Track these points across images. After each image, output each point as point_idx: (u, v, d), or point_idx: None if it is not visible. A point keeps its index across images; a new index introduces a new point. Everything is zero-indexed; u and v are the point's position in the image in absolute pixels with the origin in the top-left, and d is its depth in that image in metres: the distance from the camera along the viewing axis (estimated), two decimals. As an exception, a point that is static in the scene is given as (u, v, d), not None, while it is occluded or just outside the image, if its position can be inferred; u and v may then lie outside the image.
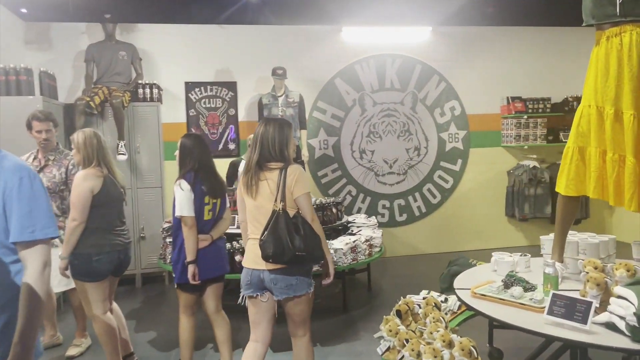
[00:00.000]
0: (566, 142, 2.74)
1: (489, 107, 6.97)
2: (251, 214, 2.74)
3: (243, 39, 6.29)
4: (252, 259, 2.71)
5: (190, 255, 3.09)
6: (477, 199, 6.96)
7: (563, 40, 7.03)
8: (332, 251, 4.39)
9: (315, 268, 3.16)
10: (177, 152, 3.26)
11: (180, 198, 3.09)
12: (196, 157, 3.19)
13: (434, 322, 2.58)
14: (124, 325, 3.55)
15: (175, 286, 3.25)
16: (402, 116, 6.71)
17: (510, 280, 2.53)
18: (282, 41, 6.36)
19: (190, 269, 3.09)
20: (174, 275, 3.25)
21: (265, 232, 2.60)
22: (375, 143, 6.66)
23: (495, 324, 3.21)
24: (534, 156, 6.88)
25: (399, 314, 2.79)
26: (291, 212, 2.65)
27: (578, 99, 6.88)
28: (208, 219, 3.21)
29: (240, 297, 2.83)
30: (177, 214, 3.10)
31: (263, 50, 6.31)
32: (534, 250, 6.76)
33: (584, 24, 2.59)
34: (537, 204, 6.79)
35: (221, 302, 3.37)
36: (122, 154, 5.37)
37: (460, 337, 2.44)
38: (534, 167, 6.79)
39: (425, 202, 6.84)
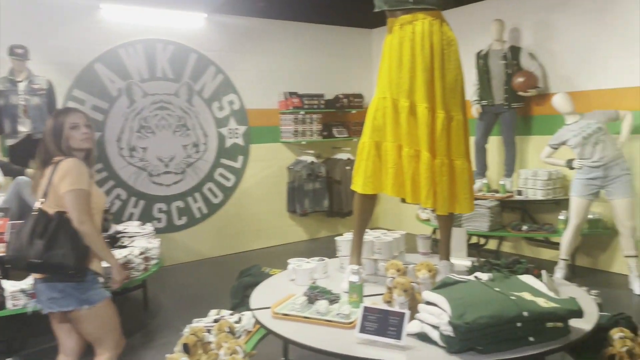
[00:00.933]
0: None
1: (268, 102, 6.81)
2: None
3: (-36, 5, 4.88)
4: None
5: None
6: (259, 196, 6.77)
7: (335, 39, 7.27)
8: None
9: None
10: None
11: None
12: None
13: (229, 354, 2.14)
14: None
15: None
16: (177, 109, 6.08)
17: (314, 294, 2.24)
18: (21, 13, 5.11)
19: None
20: None
21: (13, 233, 2.39)
22: (148, 139, 5.90)
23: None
24: (312, 151, 6.97)
25: (186, 348, 2.28)
26: (51, 212, 2.33)
27: (348, 96, 7.20)
28: None
29: None
30: None
31: (-5, 23, 4.99)
32: (314, 243, 6.99)
33: (375, 9, 2.44)
34: (316, 198, 6.91)
35: None
36: None
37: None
38: (312, 162, 6.87)
39: (206, 203, 6.35)
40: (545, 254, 5.67)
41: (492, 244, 5.75)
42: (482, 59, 5.58)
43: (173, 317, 4.28)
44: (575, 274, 4.95)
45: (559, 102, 4.76)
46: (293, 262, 2.74)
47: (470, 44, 5.60)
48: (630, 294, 4.46)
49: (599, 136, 4.49)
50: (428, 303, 1.93)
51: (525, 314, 1.77)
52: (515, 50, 5.50)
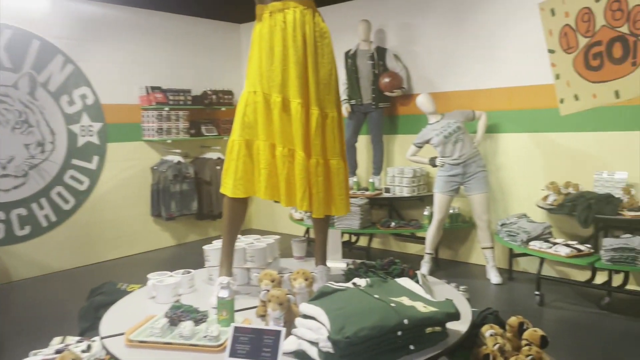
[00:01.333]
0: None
1: (127, 96, 6.23)
2: None
3: None
4: None
5: None
6: (118, 200, 6.16)
7: (202, 32, 6.89)
8: None
9: None
10: None
11: None
12: None
13: (73, 394, 1.79)
14: None
15: None
16: (17, 103, 5.28)
17: (177, 314, 1.96)
18: None
19: None
20: None
21: None
22: (-21, 137, 5.05)
23: None
24: (178, 151, 6.53)
25: (16, 392, 1.87)
26: None
27: (216, 93, 6.88)
28: None
29: None
30: None
31: None
32: (183, 249, 6.56)
33: (244, -5, 2.23)
34: (184, 200, 6.49)
35: None
36: None
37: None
38: (179, 162, 6.44)
39: (55, 209, 5.61)
40: (412, 248, 5.90)
41: (362, 241, 5.84)
42: (351, 58, 5.63)
43: (10, 346, 3.65)
44: (439, 267, 5.20)
45: (422, 102, 4.94)
46: (153, 277, 2.42)
47: (339, 43, 5.62)
48: (488, 284, 4.77)
49: (458, 135, 4.73)
50: (305, 316, 1.76)
51: (405, 321, 1.69)
52: (381, 51, 5.62)
